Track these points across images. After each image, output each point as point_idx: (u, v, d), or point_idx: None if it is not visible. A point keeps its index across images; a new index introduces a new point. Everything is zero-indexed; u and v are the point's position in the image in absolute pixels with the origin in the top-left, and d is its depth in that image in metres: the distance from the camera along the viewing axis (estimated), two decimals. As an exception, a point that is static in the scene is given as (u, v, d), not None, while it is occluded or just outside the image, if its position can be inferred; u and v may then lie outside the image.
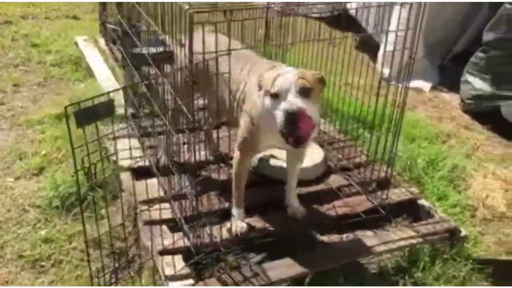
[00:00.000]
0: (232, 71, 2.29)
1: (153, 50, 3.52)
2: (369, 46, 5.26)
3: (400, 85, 2.57)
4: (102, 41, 5.14)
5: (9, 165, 3.47)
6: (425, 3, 2.27)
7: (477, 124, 4.44)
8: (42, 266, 2.63)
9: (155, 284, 2.42)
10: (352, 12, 4.98)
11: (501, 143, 4.10)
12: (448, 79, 5.28)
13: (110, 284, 2.24)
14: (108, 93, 1.72)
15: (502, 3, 4.24)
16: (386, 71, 4.18)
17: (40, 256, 2.67)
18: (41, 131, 3.83)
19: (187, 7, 1.91)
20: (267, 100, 2.20)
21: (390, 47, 4.25)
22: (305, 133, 2.10)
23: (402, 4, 2.36)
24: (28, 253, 2.68)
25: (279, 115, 2.09)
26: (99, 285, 2.13)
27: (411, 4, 2.32)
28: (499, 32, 4.27)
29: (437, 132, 4.07)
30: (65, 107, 1.55)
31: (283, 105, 2.09)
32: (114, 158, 3.01)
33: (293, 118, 2.05)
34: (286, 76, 2.13)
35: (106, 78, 4.29)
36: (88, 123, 1.64)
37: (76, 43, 5.27)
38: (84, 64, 4.86)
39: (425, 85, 5.11)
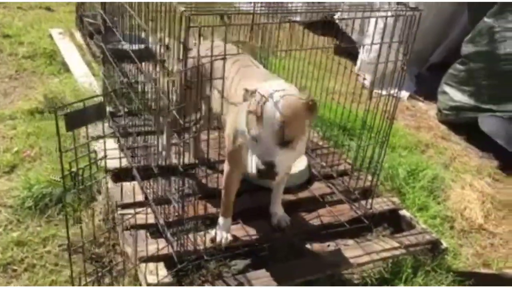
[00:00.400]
0: (226, 79, 2.21)
1: (134, 46, 3.43)
2: (347, 51, 5.28)
3: (390, 94, 2.57)
4: (78, 35, 4.98)
5: (-22, 161, 3.31)
6: (420, 14, 2.27)
7: (453, 134, 4.51)
8: (14, 270, 2.50)
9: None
10: (338, 21, 5.02)
11: (476, 154, 4.17)
12: (425, 88, 5.35)
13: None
14: (100, 95, 1.64)
15: (482, 16, 4.31)
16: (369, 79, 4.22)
17: (12, 260, 2.55)
18: (12, 127, 3.67)
19: (183, 9, 1.84)
20: (245, 134, 2.08)
21: (372, 56, 4.27)
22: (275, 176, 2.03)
23: (397, 16, 2.35)
24: (-1, 257, 2.56)
25: (250, 161, 2.01)
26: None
27: (406, 16, 2.32)
28: (478, 45, 4.34)
29: (416, 142, 4.11)
30: (55, 109, 1.45)
31: (256, 157, 1.98)
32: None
33: (263, 172, 1.97)
34: (267, 121, 1.93)
35: (83, 74, 4.15)
36: (78, 126, 1.55)
37: (50, 36, 5.09)
38: (59, 58, 4.68)
39: (403, 94, 5.16)
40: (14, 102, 4.03)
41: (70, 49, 4.69)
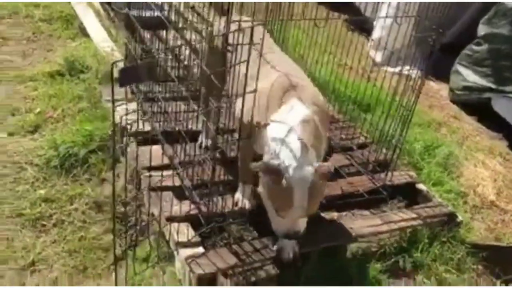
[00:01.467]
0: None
1: (155, 13, 3.45)
2: (360, 27, 5.30)
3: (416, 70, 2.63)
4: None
5: (1, 120, 3.35)
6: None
7: (464, 114, 4.57)
8: (43, 225, 2.59)
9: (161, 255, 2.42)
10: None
11: (487, 134, 4.24)
12: (436, 68, 5.36)
13: (130, 247, 2.23)
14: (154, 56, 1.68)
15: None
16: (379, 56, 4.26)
17: (41, 215, 2.63)
18: (33, 88, 3.70)
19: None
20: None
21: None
22: None
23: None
24: (28, 212, 2.63)
25: (275, 224, 2.19)
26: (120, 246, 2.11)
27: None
28: (495, 27, 4.37)
29: (429, 120, 4.16)
30: (113, 63, 1.49)
31: (281, 227, 2.15)
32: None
33: (291, 237, 2.20)
34: (296, 208, 2.04)
35: (102, 39, 4.15)
36: (130, 83, 1.59)
37: (67, -1, 5.06)
38: (76, 22, 4.68)
39: (414, 72, 5.18)
40: (34, 64, 4.05)
41: (87, 13, 4.67)
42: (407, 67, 3.57)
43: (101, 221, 2.64)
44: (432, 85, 5.15)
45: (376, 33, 5.30)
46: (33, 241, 2.48)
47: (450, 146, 3.64)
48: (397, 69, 3.00)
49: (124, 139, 1.78)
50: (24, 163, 2.94)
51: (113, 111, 1.57)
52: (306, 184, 1.98)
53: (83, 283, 2.31)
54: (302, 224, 2.12)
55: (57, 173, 2.89)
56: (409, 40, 2.90)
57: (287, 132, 2.10)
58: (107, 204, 2.72)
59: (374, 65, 4.55)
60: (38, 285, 2.26)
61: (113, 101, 1.54)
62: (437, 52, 5.80)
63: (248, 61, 2.03)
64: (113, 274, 2.28)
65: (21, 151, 3.04)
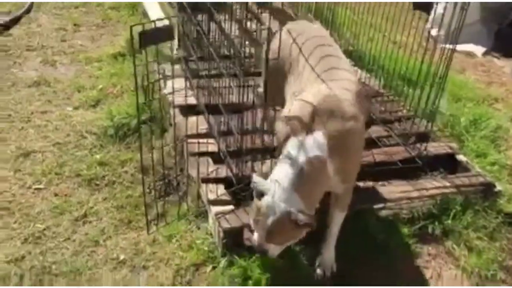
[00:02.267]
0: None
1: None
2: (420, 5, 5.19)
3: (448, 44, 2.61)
4: (158, -12, 5.28)
5: (69, 96, 3.73)
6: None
7: (526, 91, 4.37)
8: (97, 185, 2.88)
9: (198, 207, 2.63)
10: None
11: (549, 111, 4.03)
12: (503, 45, 5.15)
13: (160, 197, 2.45)
14: (169, 17, 1.86)
15: None
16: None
17: (96, 176, 2.92)
18: (98, 68, 4.07)
19: None
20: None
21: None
22: None
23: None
24: (84, 173, 2.94)
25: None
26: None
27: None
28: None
29: (485, 96, 4.04)
30: (131, 26, 1.69)
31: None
32: (166, 94, 3.20)
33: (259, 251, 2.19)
34: (258, 230, 2.08)
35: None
36: (151, 44, 1.78)
37: (134, -11, 5.43)
38: (140, 9, 5.03)
39: (477, 49, 5.01)
40: (101, 47, 4.43)
41: (150, 0, 5.00)
42: (469, 44, 3.50)
43: (146, 182, 2.89)
44: (496, 62, 4.96)
45: (436, 10, 5.18)
46: (87, 197, 2.79)
47: (500, 119, 3.53)
48: (457, 47, 2.86)
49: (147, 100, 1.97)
50: (84, 132, 3.28)
51: (134, 68, 1.78)
52: (269, 218, 2.01)
53: (127, 234, 2.56)
54: (272, 248, 2.12)
55: (112, 141, 3.19)
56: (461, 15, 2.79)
57: (291, 166, 2.07)
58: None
59: (433, 42, 4.47)
60: (87, 233, 2.54)
61: (134, 61, 1.75)
62: (505, 29, 5.58)
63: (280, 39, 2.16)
64: (153, 227, 2.52)
65: (83, 122, 3.38)
